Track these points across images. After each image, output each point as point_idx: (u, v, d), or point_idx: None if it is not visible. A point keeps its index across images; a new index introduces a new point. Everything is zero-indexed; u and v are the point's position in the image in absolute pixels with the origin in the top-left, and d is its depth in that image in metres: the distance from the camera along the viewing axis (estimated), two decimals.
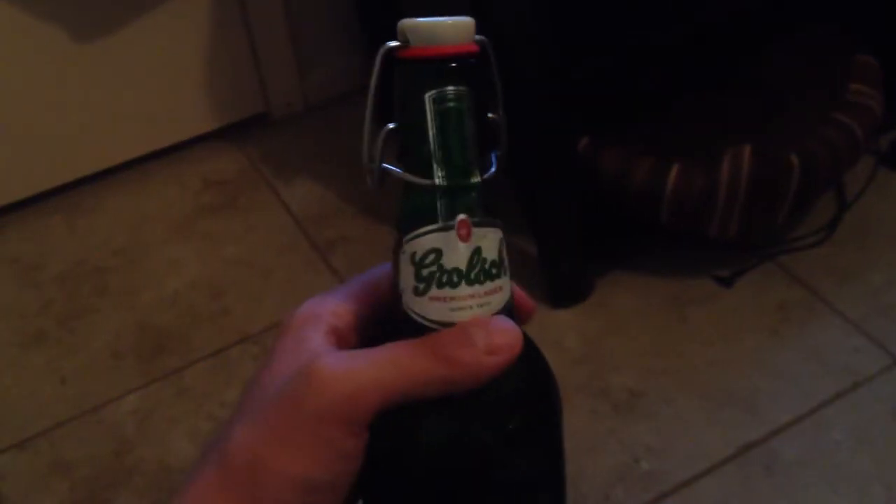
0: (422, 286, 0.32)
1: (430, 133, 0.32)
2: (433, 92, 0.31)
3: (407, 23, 0.32)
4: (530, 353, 0.35)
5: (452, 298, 0.32)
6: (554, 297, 1.28)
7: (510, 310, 0.34)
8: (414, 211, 0.32)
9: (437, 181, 0.32)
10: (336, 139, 1.62)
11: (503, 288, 0.33)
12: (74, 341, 1.32)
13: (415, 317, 0.32)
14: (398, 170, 0.32)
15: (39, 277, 1.44)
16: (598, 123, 1.25)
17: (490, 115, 0.35)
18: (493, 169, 0.34)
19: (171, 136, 1.63)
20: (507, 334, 0.32)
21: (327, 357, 0.31)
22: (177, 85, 1.59)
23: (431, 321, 0.32)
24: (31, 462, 1.17)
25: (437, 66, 0.31)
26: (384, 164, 0.33)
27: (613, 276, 1.31)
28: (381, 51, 0.32)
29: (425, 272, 0.32)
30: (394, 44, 0.32)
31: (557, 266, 1.28)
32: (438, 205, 0.32)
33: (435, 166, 0.32)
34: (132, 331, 1.33)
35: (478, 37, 0.33)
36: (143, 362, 1.28)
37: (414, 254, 0.32)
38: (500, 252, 0.34)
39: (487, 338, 0.31)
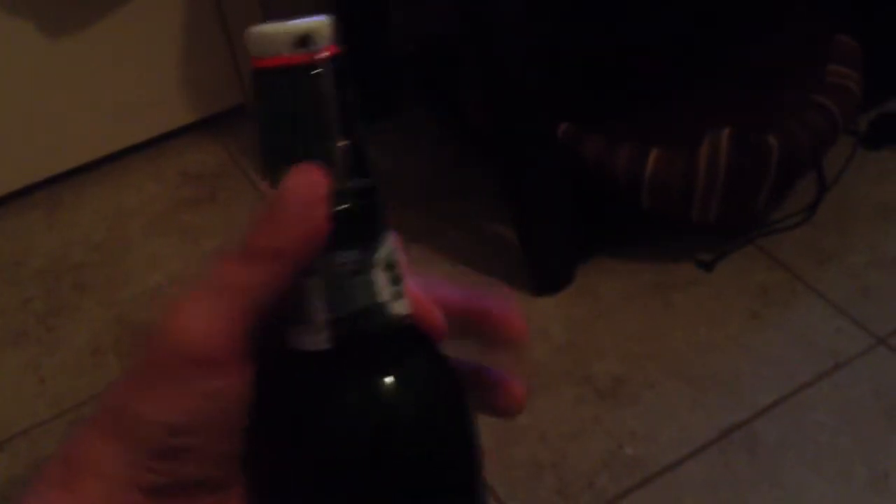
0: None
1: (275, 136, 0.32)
2: (276, 97, 0.31)
3: (251, 31, 0.32)
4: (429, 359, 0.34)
5: None
6: (536, 285, 1.28)
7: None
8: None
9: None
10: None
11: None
12: (54, 339, 1.31)
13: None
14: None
15: (18, 274, 1.43)
16: (577, 109, 1.25)
17: (341, 137, 0.32)
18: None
19: (149, 130, 1.62)
20: (291, 184, 0.31)
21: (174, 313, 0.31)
22: (153, 78, 1.58)
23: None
24: (11, 462, 1.16)
25: (285, 74, 0.31)
26: None
27: (596, 263, 1.31)
28: (250, 73, 0.32)
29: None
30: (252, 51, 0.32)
31: (539, 254, 1.28)
32: None
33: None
34: (113, 327, 1.32)
35: (332, 41, 0.32)
36: (124, 359, 1.27)
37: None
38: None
39: (274, 207, 0.31)
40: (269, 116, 0.32)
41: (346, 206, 0.32)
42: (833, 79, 1.25)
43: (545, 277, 1.29)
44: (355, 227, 0.32)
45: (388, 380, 0.32)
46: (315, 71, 0.31)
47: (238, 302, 0.30)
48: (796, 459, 1.06)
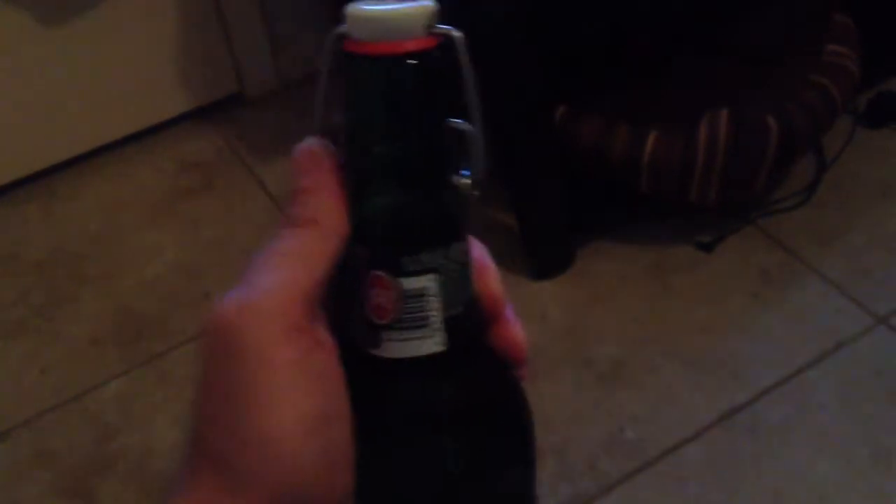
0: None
1: (378, 140, 0.30)
2: (377, 94, 0.29)
3: (350, 10, 0.29)
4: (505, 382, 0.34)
5: None
6: (536, 269, 1.28)
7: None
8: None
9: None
10: (313, 117, 1.60)
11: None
12: (54, 330, 1.31)
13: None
14: None
15: (16, 266, 1.42)
16: (575, 92, 1.24)
17: (456, 122, 0.30)
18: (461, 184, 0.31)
19: (146, 120, 1.61)
20: (300, 155, 0.31)
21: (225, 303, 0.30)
22: (149, 67, 1.57)
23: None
24: (14, 452, 1.16)
25: (379, 66, 0.29)
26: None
27: (595, 246, 1.31)
28: (329, 37, 0.30)
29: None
30: (342, 30, 0.30)
31: (538, 238, 1.28)
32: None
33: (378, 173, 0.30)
34: (112, 317, 1.32)
35: (440, 27, 0.29)
36: (124, 348, 1.27)
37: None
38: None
39: (299, 185, 0.31)
40: (369, 108, 0.30)
41: (455, 199, 0.31)
42: (831, 58, 1.25)
43: (544, 261, 1.28)
44: (464, 219, 0.31)
45: (504, 383, 0.33)
46: (420, 59, 0.29)
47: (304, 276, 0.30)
48: (798, 440, 1.06)
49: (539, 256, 1.28)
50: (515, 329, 0.34)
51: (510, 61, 1.13)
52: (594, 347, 1.18)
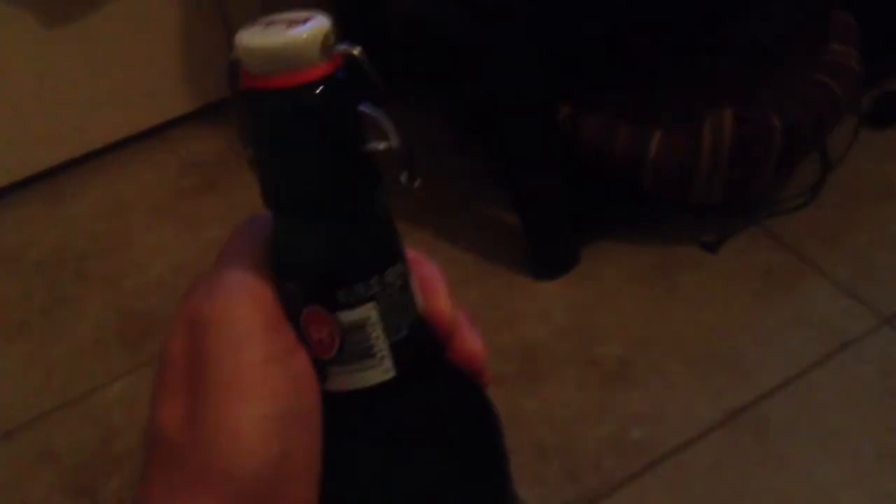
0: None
1: (288, 175, 0.28)
2: (280, 130, 0.27)
3: (240, 41, 0.27)
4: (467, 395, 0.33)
5: None
6: (539, 269, 1.28)
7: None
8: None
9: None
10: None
11: None
12: (57, 330, 1.31)
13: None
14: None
15: (19, 267, 1.42)
16: (578, 91, 1.24)
17: (371, 144, 0.28)
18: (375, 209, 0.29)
19: (148, 120, 1.61)
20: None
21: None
22: (152, 67, 1.57)
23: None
24: (18, 453, 1.16)
25: (278, 101, 0.27)
26: None
27: (598, 246, 1.31)
28: (226, 64, 0.28)
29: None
30: (233, 58, 0.28)
31: (541, 237, 1.28)
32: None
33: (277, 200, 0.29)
34: (116, 317, 1.32)
35: (339, 48, 0.27)
36: (129, 348, 1.27)
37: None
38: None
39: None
40: (272, 146, 0.28)
41: (382, 223, 0.30)
42: (833, 57, 1.25)
43: (547, 261, 1.28)
44: (396, 241, 0.30)
45: (466, 403, 0.32)
46: (318, 90, 0.27)
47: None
48: (804, 440, 1.05)
49: (542, 256, 1.28)
50: (471, 341, 0.33)
51: (510, 59, 1.13)
52: (599, 347, 1.18)
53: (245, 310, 0.29)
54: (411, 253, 0.32)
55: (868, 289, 1.20)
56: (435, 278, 0.33)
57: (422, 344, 0.31)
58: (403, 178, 0.29)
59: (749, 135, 1.16)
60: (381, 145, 0.28)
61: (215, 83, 1.64)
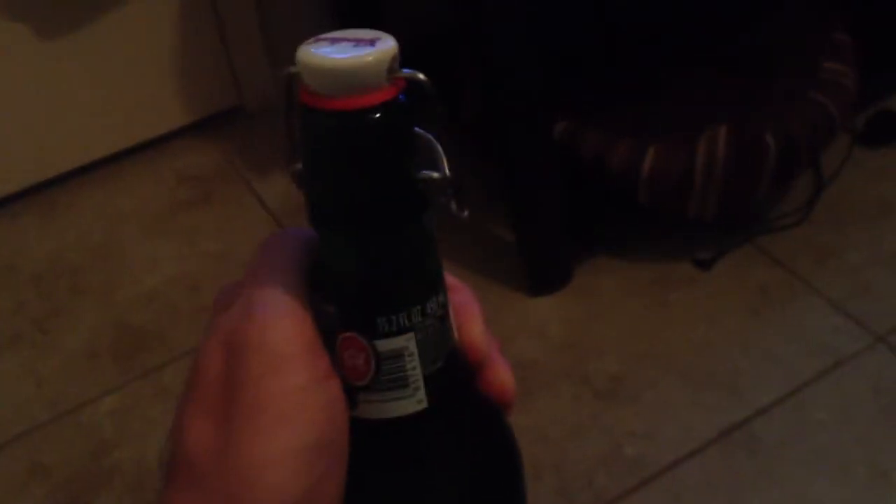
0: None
1: (340, 196, 0.28)
2: (339, 151, 0.27)
3: (304, 56, 0.27)
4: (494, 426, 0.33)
5: None
6: (534, 284, 1.28)
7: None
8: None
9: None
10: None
11: None
12: (50, 342, 1.31)
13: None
14: None
15: (14, 278, 1.42)
16: (575, 106, 1.25)
17: (424, 172, 0.28)
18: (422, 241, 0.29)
19: (145, 132, 1.61)
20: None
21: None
22: (148, 80, 1.57)
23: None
24: (9, 466, 1.15)
25: (339, 122, 0.26)
26: None
27: (594, 262, 1.31)
28: (282, 77, 0.28)
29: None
30: (292, 71, 0.27)
31: (537, 253, 1.28)
32: None
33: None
34: (109, 330, 1.31)
35: (404, 72, 0.27)
36: (121, 362, 1.27)
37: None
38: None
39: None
40: (327, 165, 0.27)
41: (428, 252, 0.29)
42: (828, 75, 1.25)
43: (542, 276, 1.28)
44: (439, 271, 0.30)
45: (493, 436, 0.32)
46: (379, 115, 0.26)
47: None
48: (796, 458, 1.05)
49: (538, 271, 1.28)
50: (503, 372, 0.32)
51: (511, 72, 1.13)
52: (593, 363, 1.18)
53: (286, 333, 0.28)
54: (449, 279, 0.32)
55: (862, 307, 1.20)
56: (471, 305, 0.32)
57: (455, 375, 0.30)
58: (453, 206, 0.29)
59: (743, 150, 1.17)
60: (434, 174, 0.28)
61: (212, 96, 1.64)
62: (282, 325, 0.28)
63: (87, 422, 1.19)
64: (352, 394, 0.29)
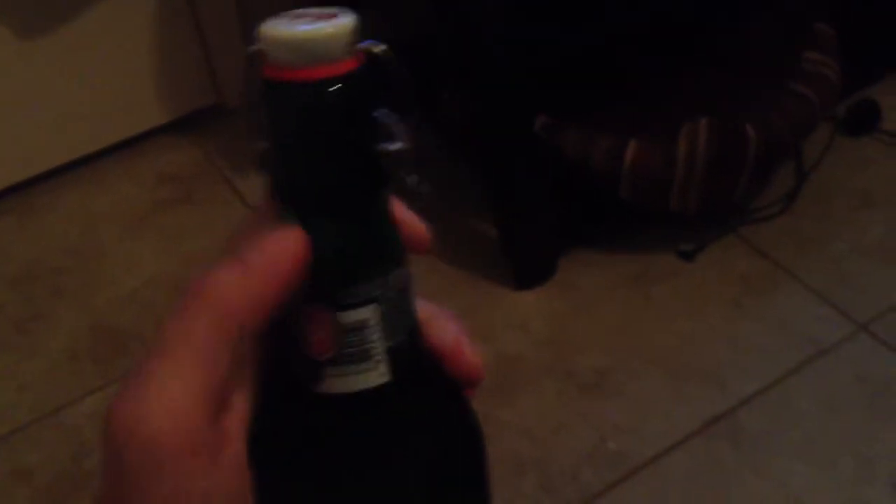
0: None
1: (304, 169, 0.28)
2: (300, 123, 0.27)
3: (266, 30, 0.27)
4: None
5: None
6: (517, 279, 1.27)
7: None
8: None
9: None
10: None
11: None
12: (30, 345, 1.30)
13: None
14: None
15: None
16: (555, 101, 1.24)
17: (386, 144, 0.28)
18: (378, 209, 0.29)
19: (123, 132, 1.60)
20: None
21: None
22: (126, 79, 1.56)
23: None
24: None
25: (301, 93, 0.27)
26: None
27: (576, 256, 1.30)
28: (245, 55, 0.28)
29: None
30: (255, 49, 0.28)
31: (519, 248, 1.27)
32: None
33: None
34: (89, 332, 1.30)
35: (364, 44, 0.28)
36: (102, 364, 1.25)
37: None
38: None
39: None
40: (288, 138, 0.28)
41: (388, 225, 0.29)
42: (810, 66, 1.25)
43: (525, 271, 1.28)
44: (399, 245, 0.30)
45: (452, 411, 0.32)
46: (338, 86, 0.27)
47: (221, 348, 0.26)
48: (780, 448, 1.05)
49: (521, 266, 1.28)
50: (472, 355, 0.32)
51: (494, 68, 1.13)
52: (576, 358, 1.18)
53: (163, 423, 0.26)
54: (432, 308, 0.32)
55: (844, 296, 1.20)
56: (438, 312, 0.32)
57: (418, 351, 0.31)
58: (412, 180, 0.29)
59: (724, 144, 1.16)
60: (392, 146, 0.28)
61: (191, 94, 1.63)
62: (163, 417, 0.26)
63: (68, 424, 1.18)
64: (317, 368, 0.29)
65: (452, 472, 0.32)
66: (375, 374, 0.29)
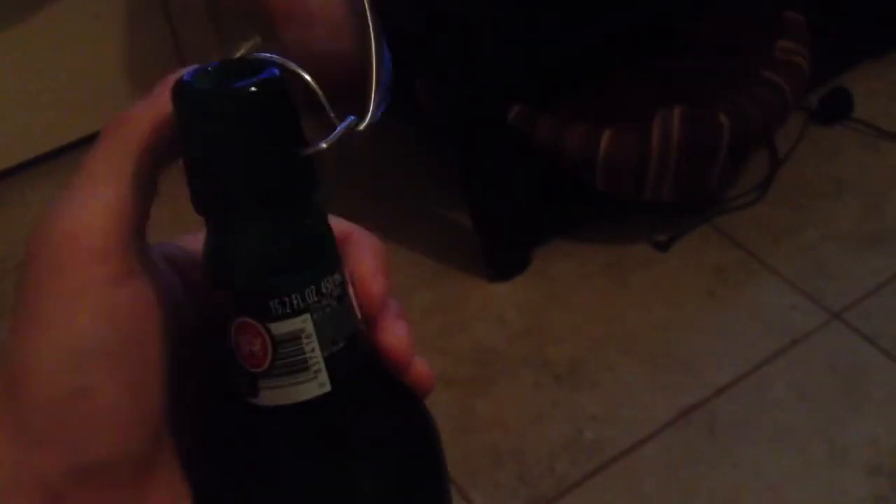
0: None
1: (219, 175, 0.27)
2: (202, 127, 0.27)
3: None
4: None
5: None
6: (492, 270, 1.27)
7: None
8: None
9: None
10: None
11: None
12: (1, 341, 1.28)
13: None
14: None
15: None
16: (530, 90, 1.24)
17: (304, 147, 0.28)
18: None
19: (95, 125, 1.57)
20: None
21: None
22: (95, 71, 1.54)
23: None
24: None
25: (203, 99, 0.27)
26: None
27: (551, 246, 1.30)
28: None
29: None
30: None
31: (494, 239, 1.27)
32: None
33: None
34: None
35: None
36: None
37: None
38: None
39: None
40: (201, 146, 0.27)
41: (317, 231, 0.29)
42: (782, 55, 1.25)
43: (500, 262, 1.27)
44: (332, 250, 0.29)
45: (401, 419, 0.31)
46: (252, 89, 0.27)
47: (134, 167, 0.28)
48: (755, 437, 1.06)
49: (495, 257, 1.27)
50: (392, 332, 0.31)
51: (468, 57, 1.12)
52: (552, 348, 1.18)
53: (80, 224, 0.27)
54: (347, 226, 0.31)
55: (817, 284, 1.21)
56: (368, 245, 0.31)
57: (359, 356, 0.29)
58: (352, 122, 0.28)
59: (697, 132, 1.16)
60: (308, 149, 0.27)
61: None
62: (65, 228, 0.27)
63: None
64: (253, 381, 0.28)
65: (400, 481, 0.30)
66: (315, 385, 0.28)
